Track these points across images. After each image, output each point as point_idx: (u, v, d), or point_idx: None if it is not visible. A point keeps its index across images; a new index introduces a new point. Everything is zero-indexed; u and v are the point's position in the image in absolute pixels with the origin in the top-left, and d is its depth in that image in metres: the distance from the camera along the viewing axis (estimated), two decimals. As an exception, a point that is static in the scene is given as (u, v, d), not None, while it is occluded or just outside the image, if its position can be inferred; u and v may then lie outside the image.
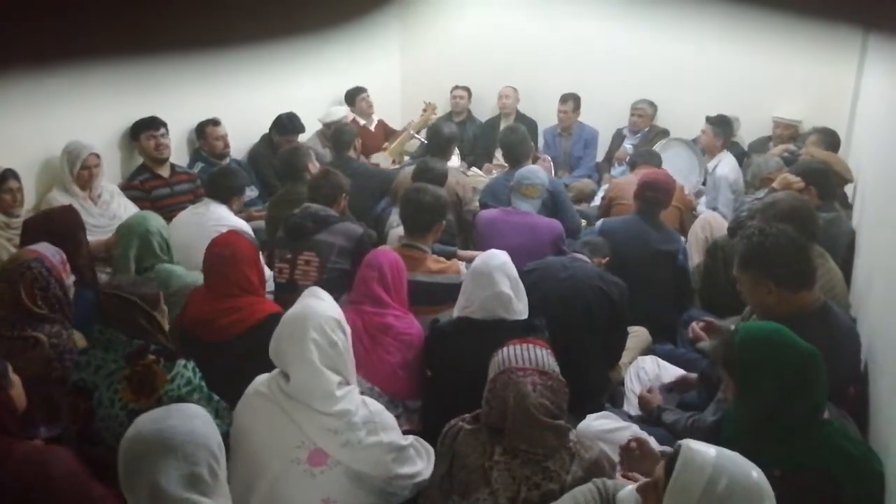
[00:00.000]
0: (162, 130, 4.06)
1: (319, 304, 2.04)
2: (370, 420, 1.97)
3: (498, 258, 2.55)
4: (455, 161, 5.24)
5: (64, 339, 2.39)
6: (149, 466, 1.36)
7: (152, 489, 1.35)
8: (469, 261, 3.23)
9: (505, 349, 1.95)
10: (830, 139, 4.52)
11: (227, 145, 4.56)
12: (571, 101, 5.85)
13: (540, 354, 1.91)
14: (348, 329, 2.06)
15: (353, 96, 5.83)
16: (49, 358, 2.33)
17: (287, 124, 4.83)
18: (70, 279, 2.54)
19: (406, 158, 5.50)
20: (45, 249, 2.51)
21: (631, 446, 2.01)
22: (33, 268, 2.38)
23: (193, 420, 1.45)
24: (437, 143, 4.49)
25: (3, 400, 1.82)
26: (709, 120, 4.96)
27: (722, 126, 4.89)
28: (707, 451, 1.39)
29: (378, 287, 2.63)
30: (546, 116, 6.09)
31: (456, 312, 2.62)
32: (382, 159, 5.38)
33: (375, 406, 2.05)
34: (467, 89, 6.33)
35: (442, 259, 3.14)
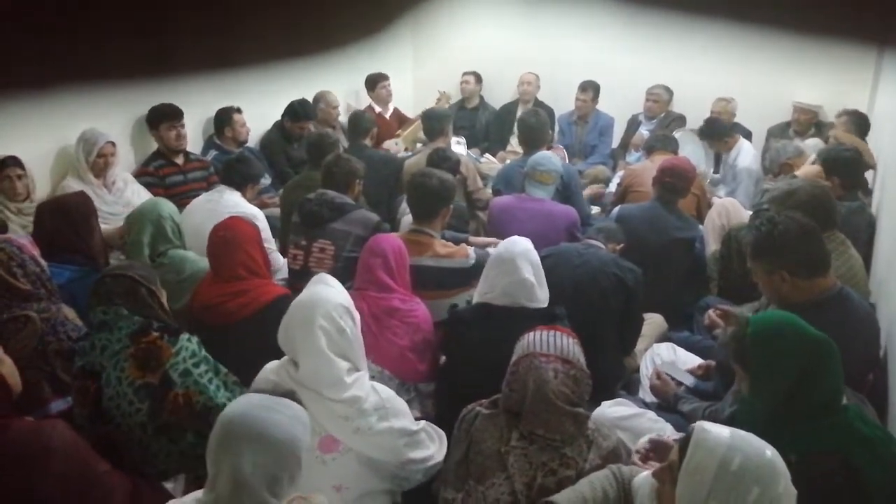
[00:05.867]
0: (182, 121, 4.07)
1: (327, 291, 2.03)
2: (381, 406, 1.97)
3: (520, 245, 2.54)
4: (461, 149, 5.22)
5: (54, 312, 2.40)
6: (241, 450, 1.37)
7: (235, 472, 1.36)
8: (481, 247, 3.22)
9: (531, 334, 1.94)
10: (859, 122, 4.45)
11: (248, 132, 4.61)
12: (591, 90, 5.79)
13: (565, 342, 1.90)
14: (357, 315, 2.05)
15: (375, 82, 5.84)
16: (42, 332, 2.34)
17: (299, 110, 4.84)
18: (43, 260, 2.55)
19: (418, 146, 5.48)
20: (8, 235, 2.56)
21: (650, 455, 1.97)
22: (4, 248, 2.40)
23: (297, 422, 1.45)
24: (432, 125, 4.51)
25: None
26: (699, 132, 4.91)
27: (710, 132, 4.84)
28: (720, 431, 1.38)
29: (383, 273, 2.63)
30: (562, 103, 6.05)
31: (476, 298, 2.61)
32: (394, 145, 5.38)
33: (386, 392, 2.04)
34: (475, 74, 6.32)
35: (450, 244, 3.13)
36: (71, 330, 2.39)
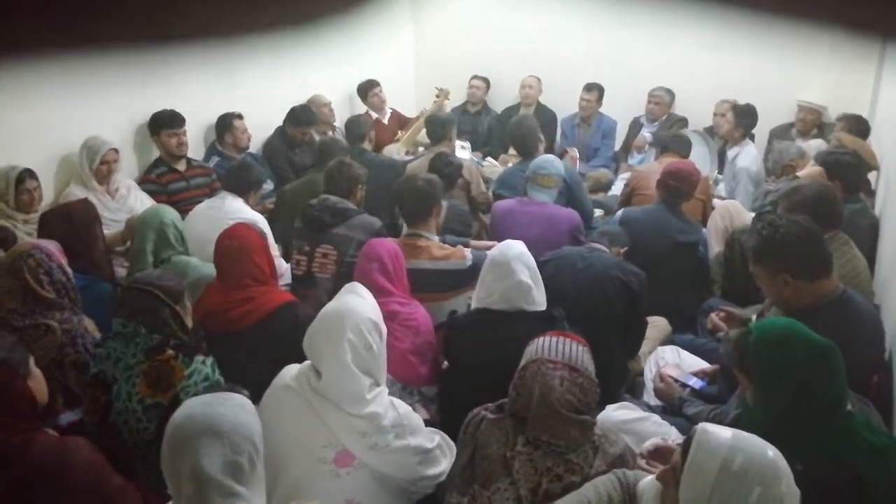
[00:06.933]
0: (183, 128, 4.07)
1: (359, 304, 2.01)
2: (399, 423, 1.96)
3: (515, 248, 2.53)
4: (465, 153, 5.23)
5: (75, 324, 2.41)
6: (194, 448, 1.37)
7: (194, 470, 1.36)
8: (482, 250, 3.22)
9: (540, 339, 1.93)
10: (858, 127, 4.44)
11: (249, 138, 4.62)
12: (596, 91, 5.77)
13: (574, 350, 1.89)
14: (384, 330, 2.04)
15: (366, 91, 5.83)
16: (62, 343, 2.34)
17: (301, 116, 4.85)
18: (69, 268, 2.57)
19: (420, 149, 5.50)
20: (39, 241, 2.55)
21: (652, 461, 1.96)
22: (33, 254, 2.41)
23: (241, 410, 1.46)
24: (435, 129, 4.52)
25: (23, 390, 1.82)
26: (734, 109, 4.89)
27: (745, 116, 4.82)
28: (722, 432, 1.38)
29: (380, 277, 2.64)
30: (563, 106, 6.04)
31: (474, 304, 2.61)
32: (395, 151, 5.39)
33: (404, 408, 2.02)
34: (486, 80, 6.29)
35: (446, 246, 3.14)
36: (90, 342, 2.41)
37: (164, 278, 2.23)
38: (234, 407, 1.45)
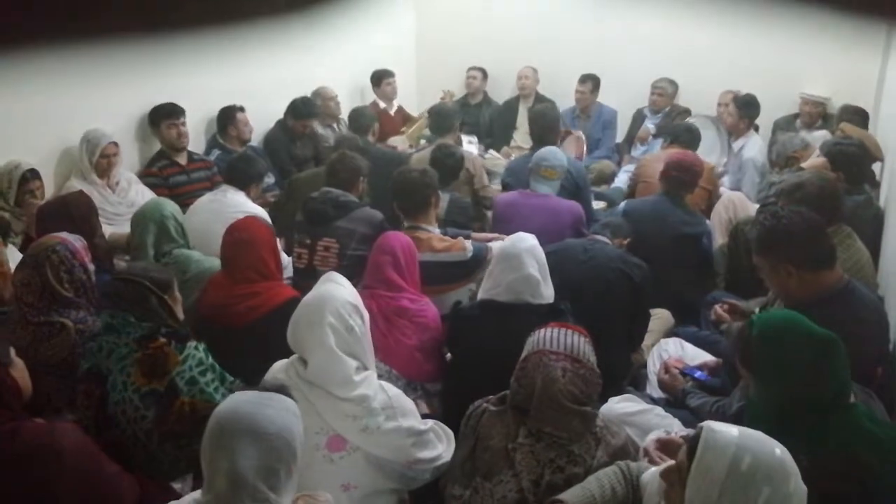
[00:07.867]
0: (183, 119, 4.07)
1: (336, 289, 2.03)
2: (389, 405, 1.96)
3: (527, 241, 2.52)
4: (473, 148, 5.21)
5: (90, 325, 2.38)
6: (234, 446, 1.36)
7: (231, 470, 1.35)
8: (483, 241, 3.21)
9: (542, 331, 1.92)
10: (858, 119, 4.42)
11: (252, 130, 4.61)
12: (590, 82, 5.76)
13: (576, 341, 1.89)
14: (366, 314, 2.05)
15: (380, 79, 5.84)
16: (75, 343, 2.32)
17: (302, 108, 4.83)
18: (91, 266, 2.55)
19: (422, 142, 5.49)
20: (67, 235, 2.51)
21: (657, 455, 1.95)
22: (58, 250, 2.39)
23: (288, 415, 1.44)
24: (439, 121, 4.51)
25: (6, 379, 1.81)
26: (735, 100, 4.87)
27: (747, 107, 4.79)
28: (729, 431, 1.37)
29: (392, 271, 2.63)
30: (565, 97, 6.01)
31: (480, 294, 2.60)
32: (400, 142, 5.38)
33: (394, 391, 2.03)
34: (482, 70, 6.27)
35: (447, 238, 3.13)
36: None
37: (150, 270, 2.24)
38: (281, 410, 1.43)
